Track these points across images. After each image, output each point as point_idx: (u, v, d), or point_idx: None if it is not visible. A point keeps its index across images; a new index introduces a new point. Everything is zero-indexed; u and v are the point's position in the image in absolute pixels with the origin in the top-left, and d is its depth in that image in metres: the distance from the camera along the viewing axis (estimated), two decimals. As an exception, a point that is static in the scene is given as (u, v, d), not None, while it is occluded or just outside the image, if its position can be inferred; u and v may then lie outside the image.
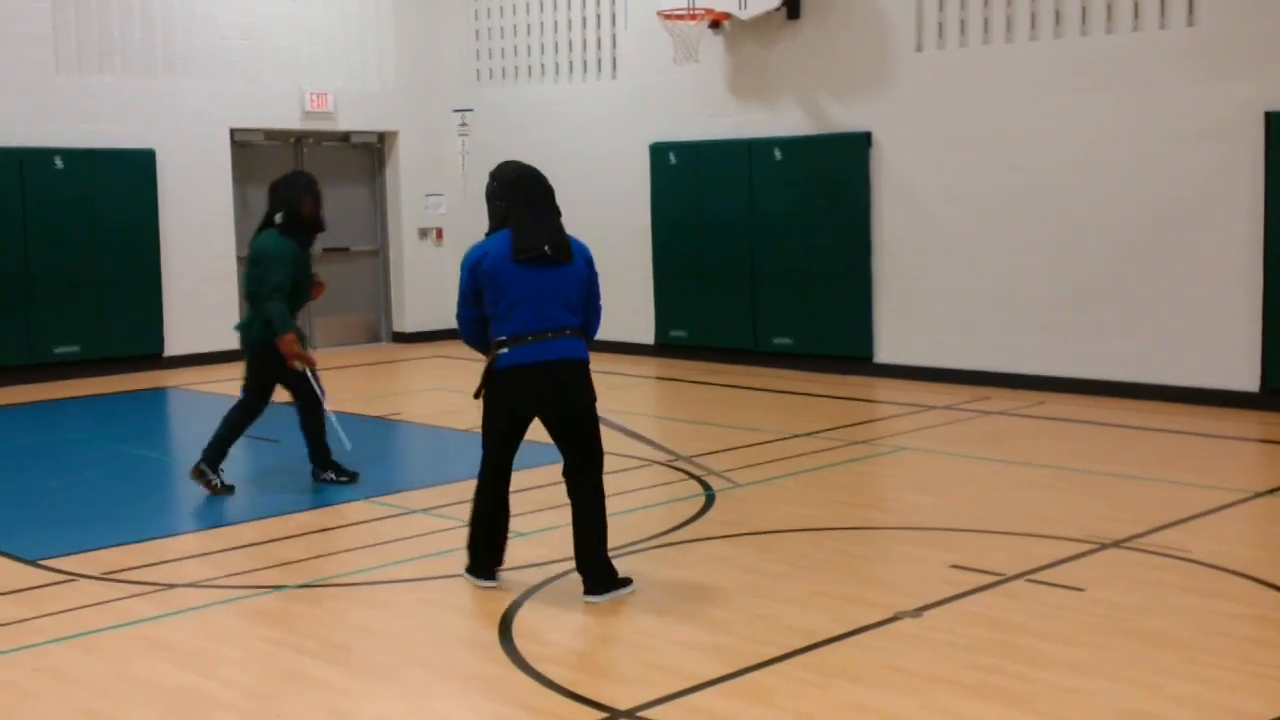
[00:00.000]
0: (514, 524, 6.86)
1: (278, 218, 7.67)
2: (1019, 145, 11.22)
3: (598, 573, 5.71)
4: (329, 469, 7.99)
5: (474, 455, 6.01)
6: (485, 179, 5.87)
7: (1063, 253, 11.03)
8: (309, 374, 7.76)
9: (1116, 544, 6.47)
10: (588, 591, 5.71)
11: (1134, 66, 10.58)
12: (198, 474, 7.73)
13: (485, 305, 5.65)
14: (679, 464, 8.08)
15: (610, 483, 7.48)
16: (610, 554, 5.82)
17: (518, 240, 5.57)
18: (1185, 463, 8.49)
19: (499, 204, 5.71)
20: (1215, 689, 4.65)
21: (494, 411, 5.74)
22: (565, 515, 5.93)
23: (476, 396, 5.78)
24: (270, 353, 7.63)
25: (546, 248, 5.58)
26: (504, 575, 6.03)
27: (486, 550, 5.92)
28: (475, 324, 5.74)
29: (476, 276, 5.62)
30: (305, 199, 7.70)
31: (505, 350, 5.57)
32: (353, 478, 7.99)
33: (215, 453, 7.75)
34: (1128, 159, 10.65)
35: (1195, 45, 10.28)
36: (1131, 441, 9.23)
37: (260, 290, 7.56)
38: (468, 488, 7.79)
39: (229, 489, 7.76)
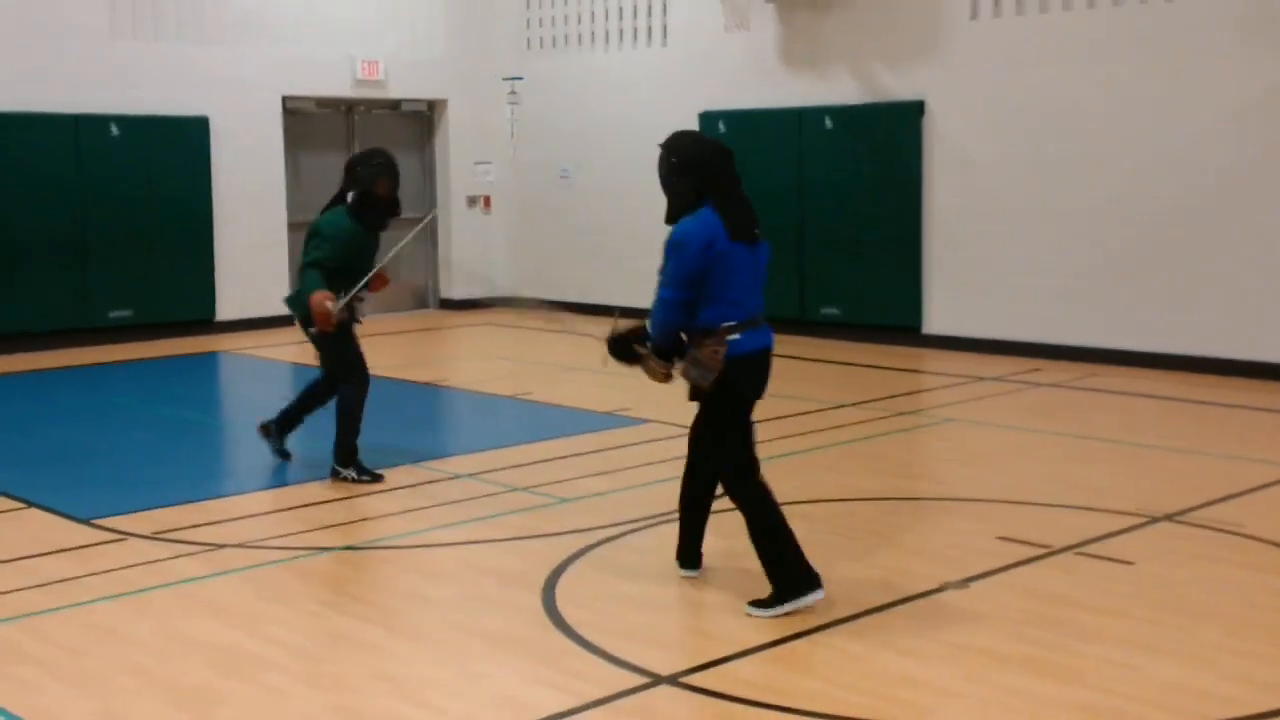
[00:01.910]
0: (559, 489, 6.93)
1: (349, 196, 7.34)
2: (1073, 114, 11.05)
3: None
4: (282, 439, 7.70)
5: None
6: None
7: (1116, 224, 10.87)
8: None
9: (1168, 518, 6.39)
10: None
11: (1192, 35, 10.38)
12: (341, 480, 7.21)
13: (706, 288, 5.27)
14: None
15: (652, 450, 7.49)
16: (650, 522, 5.82)
17: (731, 220, 5.31)
18: (1239, 437, 8.35)
19: (695, 181, 5.46)
20: (1266, 665, 4.59)
21: (731, 400, 5.37)
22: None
23: (708, 388, 5.31)
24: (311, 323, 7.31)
25: (757, 229, 5.39)
26: (550, 540, 6.05)
27: (695, 540, 5.66)
28: (683, 307, 5.31)
29: (709, 258, 5.26)
30: (381, 180, 7.31)
31: (737, 336, 5.27)
32: (286, 457, 7.71)
33: (345, 448, 7.25)
34: (1183, 128, 10.46)
35: (1253, 13, 10.07)
36: (1184, 415, 9.10)
37: (304, 261, 7.20)
38: (513, 453, 7.86)
39: (286, 455, 7.76)
